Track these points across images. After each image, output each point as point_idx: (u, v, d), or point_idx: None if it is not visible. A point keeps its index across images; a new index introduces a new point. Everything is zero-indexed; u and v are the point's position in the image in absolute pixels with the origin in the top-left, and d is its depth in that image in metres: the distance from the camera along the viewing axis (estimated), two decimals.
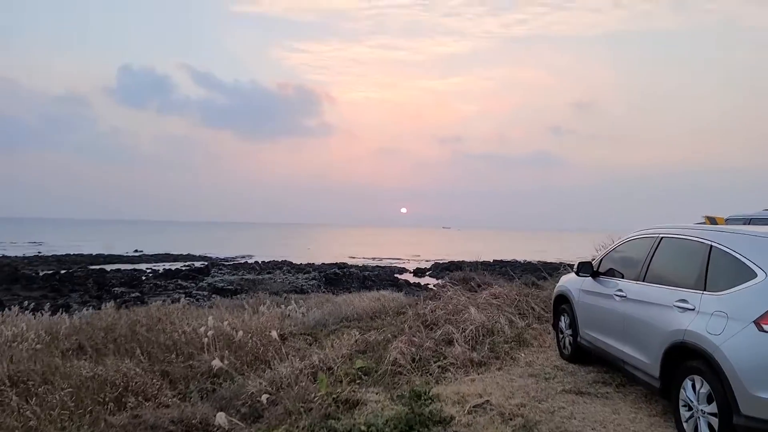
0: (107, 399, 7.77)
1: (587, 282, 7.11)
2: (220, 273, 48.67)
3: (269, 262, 59.80)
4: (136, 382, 8.32)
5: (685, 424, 4.70)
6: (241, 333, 10.33)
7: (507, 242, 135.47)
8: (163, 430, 6.68)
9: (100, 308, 14.19)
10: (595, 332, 6.73)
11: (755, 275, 4.26)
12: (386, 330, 10.00)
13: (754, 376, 3.94)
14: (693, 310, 4.66)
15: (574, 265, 8.07)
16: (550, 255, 61.27)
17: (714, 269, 4.74)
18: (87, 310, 16.02)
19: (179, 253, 74.14)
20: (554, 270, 15.55)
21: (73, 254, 67.31)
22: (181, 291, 35.28)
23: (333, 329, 11.99)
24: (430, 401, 5.98)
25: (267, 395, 6.75)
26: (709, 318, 4.43)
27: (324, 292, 27.81)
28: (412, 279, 48.20)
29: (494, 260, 58.02)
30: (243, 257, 71.40)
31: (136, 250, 76.83)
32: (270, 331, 9.46)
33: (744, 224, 8.90)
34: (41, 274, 44.28)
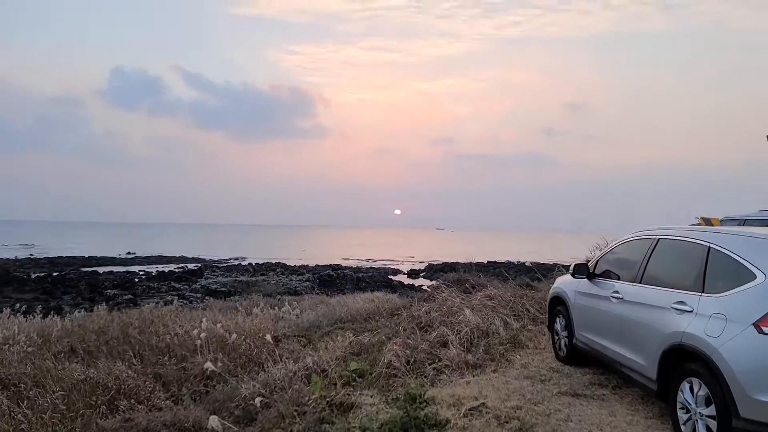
0: (99, 402, 7.72)
1: (583, 284, 7.07)
2: (214, 275, 48.49)
3: (263, 264, 59.66)
4: (128, 385, 8.27)
5: (682, 427, 4.67)
6: (234, 335, 10.28)
7: (500, 243, 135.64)
8: None
9: (92, 310, 14.13)
10: (591, 334, 6.70)
11: (755, 277, 4.22)
12: (380, 332, 9.96)
13: (753, 378, 3.90)
14: (691, 312, 4.62)
15: (568, 266, 8.04)
16: (544, 256, 61.37)
17: (712, 271, 4.70)
18: (79, 312, 15.96)
19: (172, 255, 74.00)
20: (548, 271, 15.55)
21: (66, 256, 67.10)
22: (174, 293, 35.09)
23: (327, 331, 11.95)
24: (425, 404, 5.93)
25: (260, 398, 6.69)
26: (707, 320, 4.38)
27: (318, 293, 27.74)
28: (406, 280, 48.19)
29: (488, 261, 58.04)
30: (236, 259, 71.21)
31: (128, 252, 76.67)
32: (264, 335, 9.41)
33: (739, 225, 8.89)
34: (33, 276, 44.13)
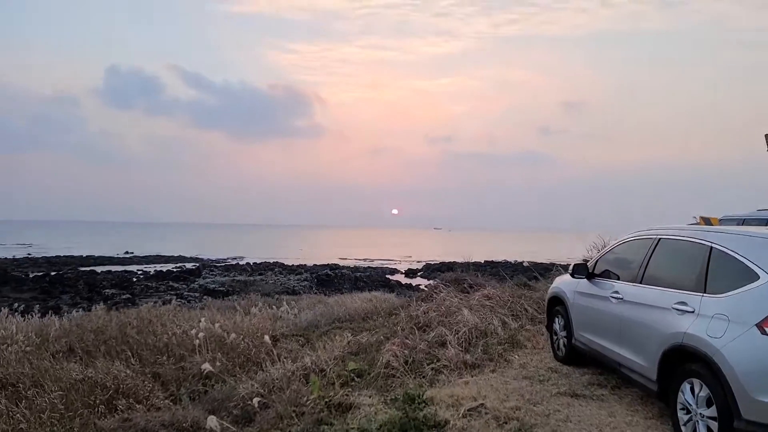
0: (98, 401, 7.71)
1: (582, 284, 7.05)
2: (212, 274, 48.43)
3: (261, 264, 59.61)
4: (126, 385, 8.26)
5: (683, 428, 4.65)
6: (233, 335, 10.26)
7: (497, 243, 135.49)
8: None
9: (90, 310, 14.09)
10: (590, 334, 6.68)
11: (758, 277, 4.18)
12: (378, 331, 9.95)
13: (756, 380, 3.87)
14: (692, 312, 4.59)
15: (566, 266, 8.03)
16: (541, 255, 61.27)
17: (714, 271, 4.67)
18: (77, 311, 15.90)
19: (170, 254, 73.94)
20: (546, 271, 15.53)
21: (63, 256, 67.01)
22: (172, 292, 35.04)
23: (325, 330, 11.94)
24: (424, 405, 5.90)
25: (259, 398, 6.67)
26: (709, 321, 4.36)
27: (316, 293, 27.70)
28: (403, 280, 48.23)
29: (485, 261, 58.09)
30: (234, 259, 71.14)
31: (126, 252, 76.59)
32: (263, 334, 9.40)
33: (737, 224, 8.89)
34: (31, 275, 44.01)
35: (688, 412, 4.57)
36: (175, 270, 52.35)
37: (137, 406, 7.76)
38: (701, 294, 4.64)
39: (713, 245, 4.80)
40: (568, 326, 7.40)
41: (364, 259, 74.72)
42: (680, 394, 4.67)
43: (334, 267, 56.69)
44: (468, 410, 5.74)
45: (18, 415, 7.09)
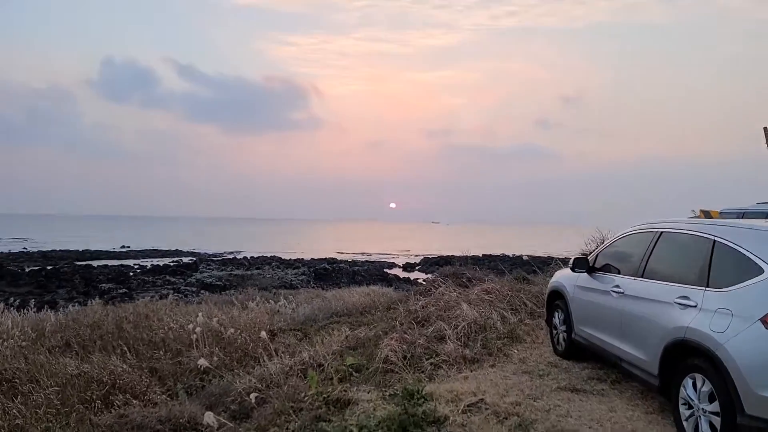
0: (94, 397, 7.68)
1: (582, 278, 7.02)
2: (209, 269, 48.42)
3: (258, 258, 59.59)
4: (123, 380, 8.23)
5: (684, 423, 4.61)
6: (231, 330, 10.22)
7: (495, 236, 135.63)
8: (151, 429, 6.55)
9: (86, 304, 14.06)
10: (590, 329, 6.64)
11: (762, 271, 4.13)
12: (377, 326, 9.91)
13: (759, 375, 3.83)
14: (695, 306, 4.55)
15: (565, 259, 7.98)
16: (539, 249, 61.37)
17: (717, 265, 4.62)
18: (73, 306, 15.83)
19: (167, 248, 73.86)
20: (544, 264, 15.52)
21: (59, 250, 66.84)
22: (169, 287, 35.03)
23: (323, 325, 11.90)
24: (423, 400, 5.84)
25: (256, 393, 6.62)
26: (712, 315, 4.31)
27: (313, 287, 27.63)
28: (401, 274, 48.17)
29: (483, 255, 58.02)
30: (231, 253, 71.02)
31: (123, 246, 76.45)
32: (260, 329, 9.36)
33: (738, 218, 8.85)
34: (27, 270, 43.91)
35: (690, 407, 4.53)
36: (172, 264, 52.14)
37: (134, 401, 7.71)
38: (704, 288, 4.60)
39: (716, 239, 4.75)
40: (568, 320, 7.36)
41: (362, 253, 74.66)
42: (682, 389, 4.63)
43: (331, 261, 56.69)
44: (468, 406, 5.70)
45: (14, 410, 7.06)
